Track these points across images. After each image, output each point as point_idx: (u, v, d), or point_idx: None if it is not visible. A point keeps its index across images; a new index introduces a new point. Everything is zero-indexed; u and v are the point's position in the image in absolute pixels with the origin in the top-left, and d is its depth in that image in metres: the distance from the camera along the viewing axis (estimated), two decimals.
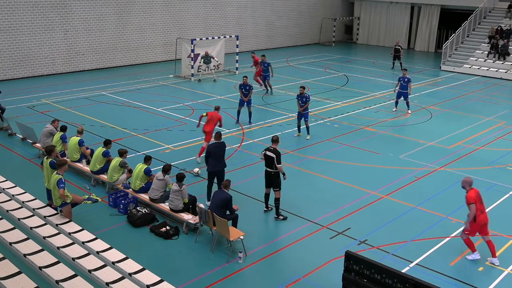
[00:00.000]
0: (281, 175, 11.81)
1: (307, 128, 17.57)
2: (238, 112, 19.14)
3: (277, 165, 11.65)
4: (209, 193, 12.28)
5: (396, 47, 30.65)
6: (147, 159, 12.49)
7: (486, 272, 10.00)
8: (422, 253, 10.60)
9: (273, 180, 11.83)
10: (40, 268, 8.96)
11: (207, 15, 33.07)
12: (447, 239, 11.20)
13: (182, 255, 10.46)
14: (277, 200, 11.90)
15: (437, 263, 10.24)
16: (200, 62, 26.91)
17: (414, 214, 12.37)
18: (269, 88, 24.04)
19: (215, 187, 12.21)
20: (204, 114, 15.20)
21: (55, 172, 10.92)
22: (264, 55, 24.05)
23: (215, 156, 12.14)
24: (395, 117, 20.50)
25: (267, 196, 12.20)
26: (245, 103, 18.85)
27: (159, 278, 8.83)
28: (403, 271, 9.63)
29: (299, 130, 17.87)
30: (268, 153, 11.75)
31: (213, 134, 13.61)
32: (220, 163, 12.24)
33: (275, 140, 11.96)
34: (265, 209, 12.26)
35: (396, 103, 21.45)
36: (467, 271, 10.01)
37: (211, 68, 26.90)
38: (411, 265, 10.15)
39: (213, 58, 26.61)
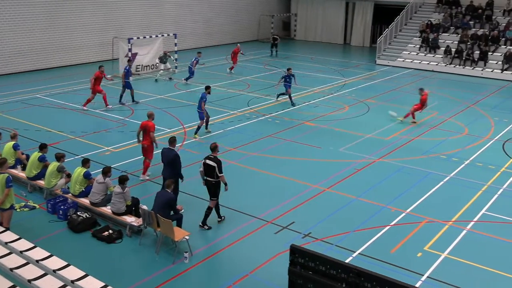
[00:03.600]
0: (223, 185, 11.25)
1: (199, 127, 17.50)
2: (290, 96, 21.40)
3: (219, 175, 11.04)
4: None
5: (274, 36, 34.72)
6: (85, 162, 12.17)
7: (425, 257, 10.41)
8: (364, 242, 10.90)
9: (212, 189, 11.27)
10: None
11: (144, 14, 32.51)
12: (387, 227, 11.58)
13: (126, 258, 10.28)
14: (209, 209, 11.38)
15: (379, 251, 10.57)
16: (157, 62, 26.64)
17: (355, 205, 12.71)
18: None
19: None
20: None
21: None
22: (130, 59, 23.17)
23: (164, 162, 11.86)
24: (334, 111, 20.95)
25: (217, 206, 11.60)
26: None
27: (104, 284, 8.63)
28: (347, 261, 9.87)
29: (206, 127, 17.83)
30: (208, 161, 11.14)
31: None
32: (168, 170, 11.72)
33: (213, 148, 11.30)
34: (219, 219, 11.69)
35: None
36: (407, 257, 10.38)
37: (168, 67, 26.63)
38: (354, 254, 10.42)
39: (170, 56, 26.49)
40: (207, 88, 17.69)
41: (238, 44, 30.20)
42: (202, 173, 11.37)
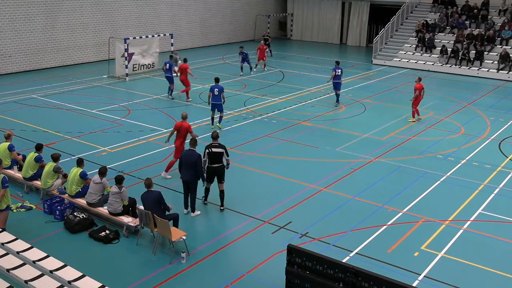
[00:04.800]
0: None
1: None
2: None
3: (227, 158, 11.92)
4: (185, 202, 11.98)
5: (265, 37, 33.97)
6: (80, 162, 12.10)
7: (422, 257, 10.43)
8: (361, 242, 10.92)
9: (220, 173, 11.97)
10: None
11: (140, 14, 32.48)
12: (384, 227, 11.59)
13: (123, 259, 10.27)
14: (222, 193, 12.18)
15: (376, 251, 10.58)
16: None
17: (352, 205, 12.72)
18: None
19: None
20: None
21: None
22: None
23: (184, 165, 11.67)
24: (331, 111, 20.97)
25: (208, 190, 12.35)
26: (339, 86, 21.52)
27: (100, 284, 8.61)
28: (344, 260, 9.88)
29: (212, 123, 18.33)
30: (215, 149, 11.79)
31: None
32: (189, 172, 11.57)
33: (215, 136, 12.04)
34: (206, 202, 12.45)
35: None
36: (404, 257, 10.40)
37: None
38: (351, 254, 10.43)
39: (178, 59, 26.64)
40: (218, 80, 18.36)
41: (262, 41, 30.60)
42: (205, 163, 11.89)
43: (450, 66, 30.14)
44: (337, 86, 21.59)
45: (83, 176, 11.97)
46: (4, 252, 9.51)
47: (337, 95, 21.87)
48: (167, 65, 22.06)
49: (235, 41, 40.10)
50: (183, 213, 11.79)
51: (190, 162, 11.55)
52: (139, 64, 27.29)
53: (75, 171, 11.95)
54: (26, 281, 8.61)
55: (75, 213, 11.36)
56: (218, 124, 18.15)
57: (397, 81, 27.38)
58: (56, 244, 10.65)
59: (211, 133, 12.45)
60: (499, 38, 30.48)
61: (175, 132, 13.74)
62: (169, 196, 11.93)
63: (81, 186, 12.01)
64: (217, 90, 17.69)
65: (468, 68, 29.61)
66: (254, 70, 28.48)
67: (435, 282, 9.58)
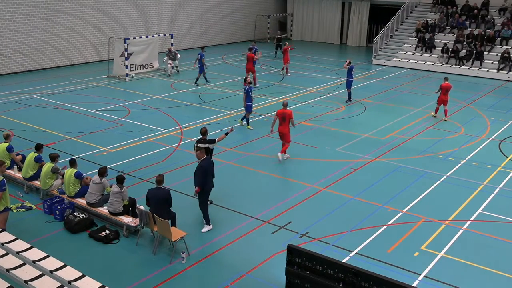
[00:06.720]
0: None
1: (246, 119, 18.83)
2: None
3: (211, 146, 12.41)
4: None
5: (278, 37, 34.70)
6: (73, 163, 12.04)
7: (422, 257, 10.43)
8: (361, 242, 10.91)
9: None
10: None
11: (140, 14, 32.47)
12: (384, 227, 11.59)
13: (123, 259, 10.26)
14: None
15: (376, 251, 10.58)
16: (166, 59, 27.24)
17: (352, 205, 12.71)
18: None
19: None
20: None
21: None
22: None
23: (210, 173, 11.28)
24: (331, 111, 20.96)
25: None
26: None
27: (100, 284, 8.61)
28: (344, 260, 9.89)
29: (248, 122, 18.83)
30: (201, 145, 12.14)
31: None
32: (210, 179, 11.31)
33: (204, 132, 12.58)
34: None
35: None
36: (404, 257, 10.40)
37: (176, 65, 27.30)
38: (351, 254, 10.43)
39: (177, 53, 27.25)
40: (246, 79, 19.58)
41: (287, 43, 30.16)
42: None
43: (450, 66, 30.13)
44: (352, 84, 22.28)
45: (78, 176, 11.93)
46: (4, 252, 9.50)
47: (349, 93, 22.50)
48: (198, 55, 24.68)
49: (235, 41, 40.10)
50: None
51: (212, 170, 11.32)
52: (142, 65, 27.31)
53: (69, 172, 11.91)
54: (26, 281, 8.60)
55: (75, 213, 11.36)
56: (247, 126, 18.64)
57: (397, 81, 27.38)
58: (56, 244, 10.65)
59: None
60: (499, 38, 30.47)
61: (278, 119, 15.06)
62: None
63: (78, 186, 11.99)
64: (247, 90, 18.51)
65: (468, 68, 29.60)
66: (288, 74, 28.08)
67: (435, 282, 9.58)
